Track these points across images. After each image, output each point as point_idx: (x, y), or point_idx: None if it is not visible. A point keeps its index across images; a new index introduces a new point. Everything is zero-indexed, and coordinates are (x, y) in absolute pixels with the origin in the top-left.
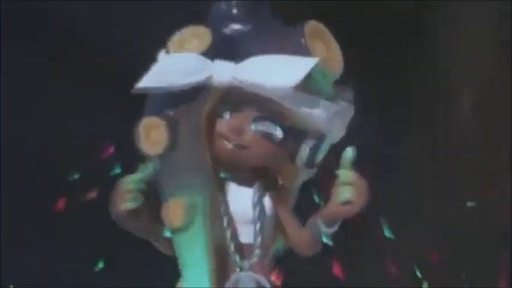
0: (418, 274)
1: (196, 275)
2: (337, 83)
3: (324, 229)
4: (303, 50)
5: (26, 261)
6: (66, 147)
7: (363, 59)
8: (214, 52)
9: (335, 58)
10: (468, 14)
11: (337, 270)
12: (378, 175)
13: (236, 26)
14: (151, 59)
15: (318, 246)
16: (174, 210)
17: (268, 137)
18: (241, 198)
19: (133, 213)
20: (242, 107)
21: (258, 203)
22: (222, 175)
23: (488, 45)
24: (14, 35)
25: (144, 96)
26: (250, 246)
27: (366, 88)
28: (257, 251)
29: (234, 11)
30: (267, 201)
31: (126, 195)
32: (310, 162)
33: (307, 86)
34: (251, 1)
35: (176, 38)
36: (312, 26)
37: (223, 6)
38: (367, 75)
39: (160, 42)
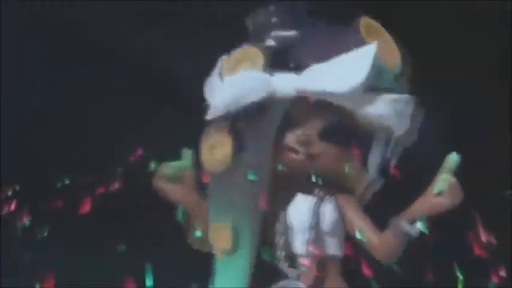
0: (458, 273)
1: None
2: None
3: (408, 228)
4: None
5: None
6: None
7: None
8: (270, 68)
9: (393, 53)
10: None
11: (366, 269)
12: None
13: (279, 34)
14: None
15: (399, 249)
16: (221, 233)
17: (336, 144)
18: (301, 207)
19: (171, 180)
20: (308, 117)
21: (315, 212)
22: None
23: None
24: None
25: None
26: (300, 255)
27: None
28: (307, 261)
29: (274, 19)
30: (330, 209)
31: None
32: (381, 167)
33: (371, 83)
34: (286, 5)
35: (228, 60)
36: (365, 23)
37: (261, 16)
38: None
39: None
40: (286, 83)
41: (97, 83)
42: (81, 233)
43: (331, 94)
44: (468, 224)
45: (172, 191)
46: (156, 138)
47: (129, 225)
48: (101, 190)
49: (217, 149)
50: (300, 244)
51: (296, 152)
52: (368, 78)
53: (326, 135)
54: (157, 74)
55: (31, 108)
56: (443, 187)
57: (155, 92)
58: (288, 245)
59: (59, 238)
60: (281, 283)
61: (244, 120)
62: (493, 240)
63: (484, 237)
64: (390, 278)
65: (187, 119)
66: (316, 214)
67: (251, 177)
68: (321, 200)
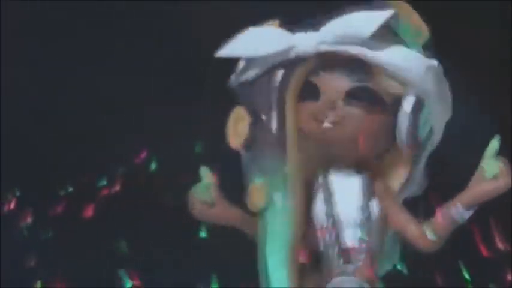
0: (466, 274)
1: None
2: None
3: (459, 216)
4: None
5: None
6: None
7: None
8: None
9: (422, 25)
10: None
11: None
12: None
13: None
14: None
15: (446, 237)
16: (254, 192)
17: (362, 107)
18: (347, 199)
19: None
20: (330, 81)
21: (366, 206)
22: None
23: None
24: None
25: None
26: (354, 250)
27: None
28: (362, 256)
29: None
30: (376, 203)
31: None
32: (412, 138)
33: (395, 39)
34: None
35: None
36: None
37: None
38: None
39: None
40: (305, 39)
41: (97, 82)
42: (83, 234)
43: (349, 41)
44: (477, 225)
45: (216, 213)
46: (158, 138)
47: (132, 225)
48: (104, 192)
49: (239, 122)
50: (350, 239)
51: (320, 117)
52: (387, 27)
53: (351, 99)
54: (158, 73)
55: (31, 108)
56: (496, 170)
57: (156, 92)
58: (339, 240)
59: (60, 239)
60: (338, 279)
61: (258, 89)
62: (507, 245)
63: (499, 241)
64: (394, 278)
65: (189, 118)
66: (367, 209)
67: (257, 179)
68: (368, 197)
